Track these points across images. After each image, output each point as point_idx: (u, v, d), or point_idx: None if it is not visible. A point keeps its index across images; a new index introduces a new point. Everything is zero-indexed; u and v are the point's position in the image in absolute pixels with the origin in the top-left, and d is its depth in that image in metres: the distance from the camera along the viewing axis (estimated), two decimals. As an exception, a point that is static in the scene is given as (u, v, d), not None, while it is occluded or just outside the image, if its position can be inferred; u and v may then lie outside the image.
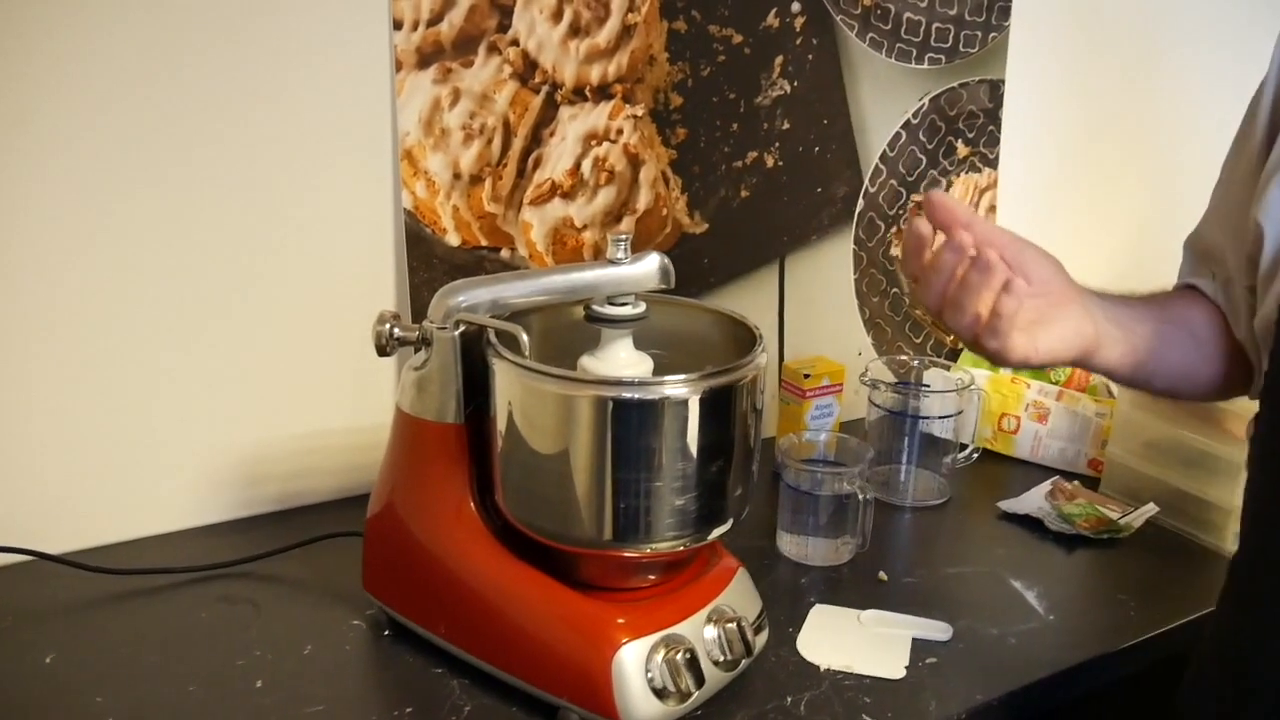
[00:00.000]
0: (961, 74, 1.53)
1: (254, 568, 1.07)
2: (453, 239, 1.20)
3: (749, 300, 1.42)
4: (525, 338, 0.83)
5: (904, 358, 1.42)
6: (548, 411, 0.83)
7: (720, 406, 0.84)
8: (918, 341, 1.60)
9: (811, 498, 1.11)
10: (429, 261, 1.19)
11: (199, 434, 1.15)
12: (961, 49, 1.52)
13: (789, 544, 1.14)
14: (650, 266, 0.92)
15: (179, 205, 1.07)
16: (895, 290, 1.56)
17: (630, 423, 0.82)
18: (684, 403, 0.82)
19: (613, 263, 0.90)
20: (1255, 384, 0.92)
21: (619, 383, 0.82)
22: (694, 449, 0.83)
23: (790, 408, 1.34)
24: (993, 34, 1.54)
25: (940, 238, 0.78)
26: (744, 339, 0.91)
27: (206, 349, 1.13)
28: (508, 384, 0.85)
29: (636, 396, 0.81)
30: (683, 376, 0.82)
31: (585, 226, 1.27)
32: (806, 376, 1.32)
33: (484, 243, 1.22)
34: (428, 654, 0.93)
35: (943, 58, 1.51)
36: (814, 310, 1.48)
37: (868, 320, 1.55)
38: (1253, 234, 0.84)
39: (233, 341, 1.14)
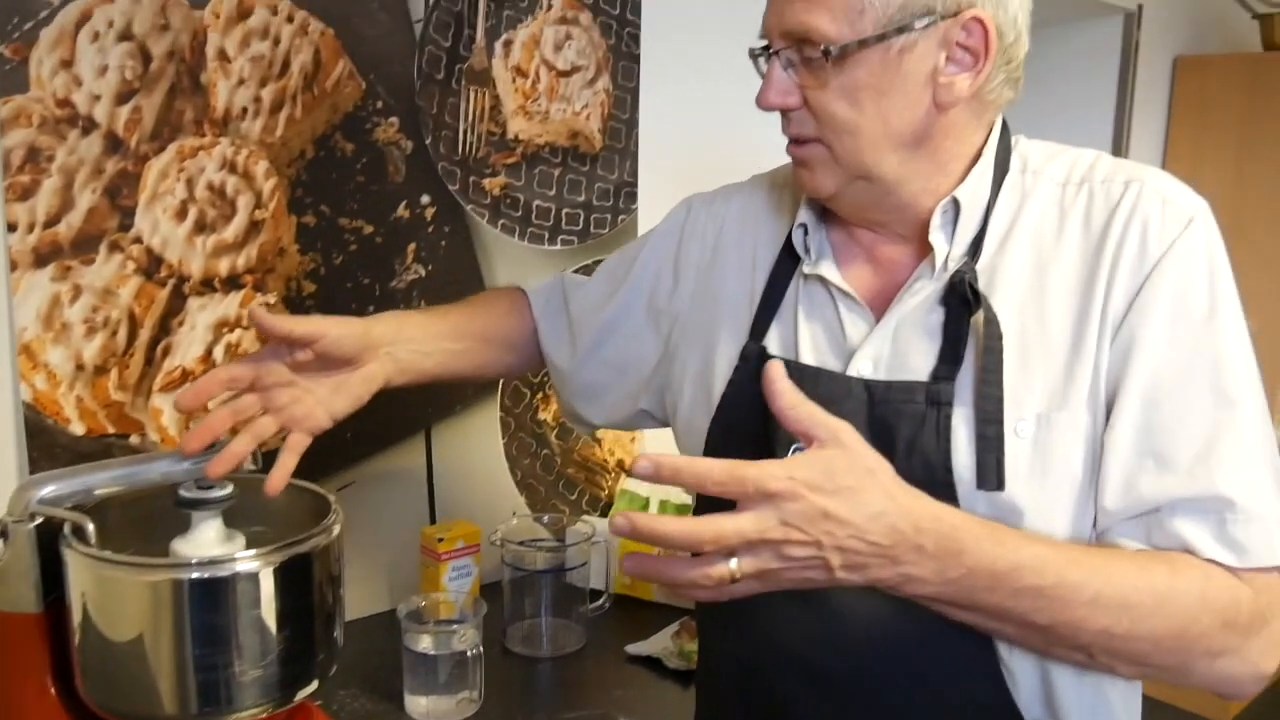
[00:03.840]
0: (595, 252, 1.69)
1: None
2: (77, 428, 1.23)
3: (397, 470, 1.49)
4: (91, 527, 0.88)
5: (556, 514, 1.53)
6: (116, 597, 0.87)
7: (294, 575, 0.91)
8: (572, 498, 1.71)
9: (426, 657, 1.17)
10: (52, 452, 1.21)
11: None
12: (593, 231, 1.69)
13: (413, 704, 1.19)
14: (235, 450, 0.98)
15: None
16: (545, 452, 1.67)
17: (200, 601, 0.87)
18: (254, 576, 0.88)
19: (197, 448, 0.97)
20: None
21: (184, 564, 0.88)
22: (270, 618, 0.89)
23: (429, 570, 1.41)
24: (622, 216, 1.72)
25: None
26: (325, 510, 0.99)
27: None
28: (79, 573, 0.88)
29: (204, 576, 0.87)
30: (252, 552, 0.89)
31: (220, 409, 1.32)
32: (440, 540, 1.40)
33: (111, 430, 1.25)
34: None
35: (575, 239, 1.67)
36: (465, 476, 1.57)
37: (520, 481, 1.65)
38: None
39: None
